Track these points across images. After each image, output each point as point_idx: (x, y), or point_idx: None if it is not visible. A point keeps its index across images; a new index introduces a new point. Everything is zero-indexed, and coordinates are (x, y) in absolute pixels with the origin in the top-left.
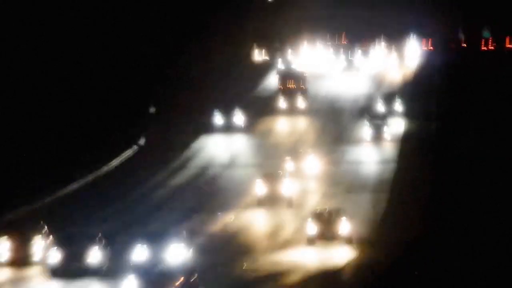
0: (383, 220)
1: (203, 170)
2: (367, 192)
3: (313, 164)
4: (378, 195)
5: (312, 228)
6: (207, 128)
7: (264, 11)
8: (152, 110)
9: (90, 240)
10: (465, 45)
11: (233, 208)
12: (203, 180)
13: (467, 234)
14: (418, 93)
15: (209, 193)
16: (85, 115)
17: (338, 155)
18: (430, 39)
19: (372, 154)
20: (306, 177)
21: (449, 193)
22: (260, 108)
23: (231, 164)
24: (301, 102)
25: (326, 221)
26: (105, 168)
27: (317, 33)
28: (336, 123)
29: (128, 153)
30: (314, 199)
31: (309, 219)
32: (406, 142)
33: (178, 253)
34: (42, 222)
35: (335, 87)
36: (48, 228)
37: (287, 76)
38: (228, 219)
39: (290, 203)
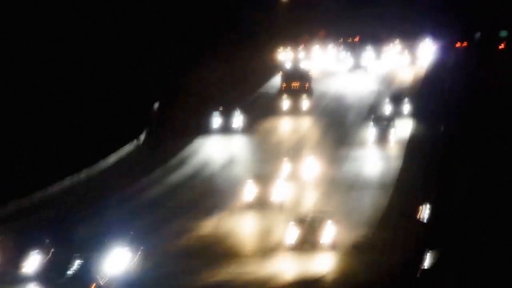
0: (379, 223)
1: (198, 169)
2: (367, 192)
3: (312, 166)
4: (378, 195)
5: (293, 233)
6: (205, 129)
7: (278, 11)
8: (155, 107)
9: (35, 245)
10: (478, 45)
11: (223, 209)
12: (198, 179)
13: (472, 239)
14: (427, 93)
15: (202, 193)
16: (86, 112)
17: (340, 156)
18: (442, 40)
19: (376, 155)
20: (304, 179)
21: (455, 196)
22: (262, 109)
23: (226, 164)
24: (304, 103)
25: (308, 227)
26: (101, 164)
27: (331, 33)
28: (340, 124)
29: (126, 149)
30: (310, 201)
31: (291, 224)
32: (412, 144)
33: (119, 259)
34: None
35: (342, 86)
36: None
37: (291, 76)
38: (217, 220)
39: (281, 206)
